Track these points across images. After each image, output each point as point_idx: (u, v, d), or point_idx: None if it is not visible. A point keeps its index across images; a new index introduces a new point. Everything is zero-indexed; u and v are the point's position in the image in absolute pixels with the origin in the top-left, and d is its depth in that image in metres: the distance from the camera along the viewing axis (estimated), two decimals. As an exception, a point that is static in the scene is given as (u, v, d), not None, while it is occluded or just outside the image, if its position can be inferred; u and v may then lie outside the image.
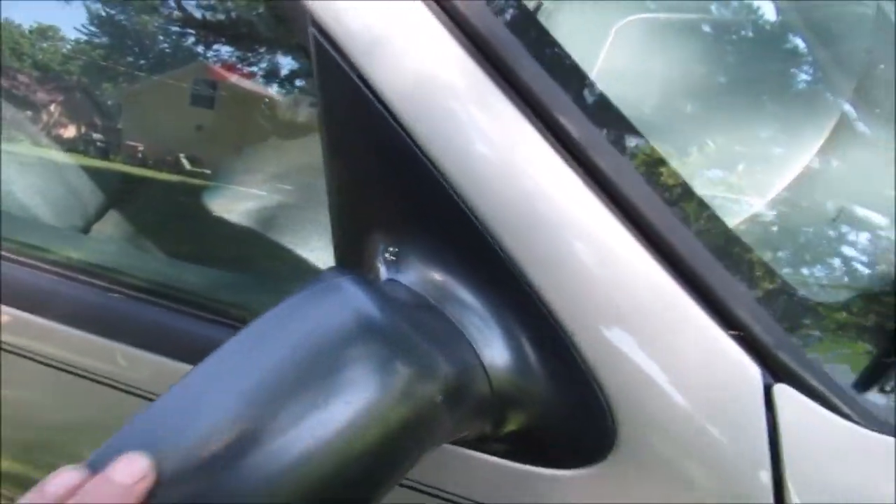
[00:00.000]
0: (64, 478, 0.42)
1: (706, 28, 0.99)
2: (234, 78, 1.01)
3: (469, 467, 0.66)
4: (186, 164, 1.07)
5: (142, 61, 1.13)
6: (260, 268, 0.98)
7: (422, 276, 0.59)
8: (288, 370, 0.47)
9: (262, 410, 0.46)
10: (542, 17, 0.82)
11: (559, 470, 0.63)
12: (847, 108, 0.78)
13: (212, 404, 0.46)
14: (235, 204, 1.01)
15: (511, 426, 0.62)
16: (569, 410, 0.61)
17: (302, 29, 0.57)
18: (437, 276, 0.59)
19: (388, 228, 0.60)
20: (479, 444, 0.64)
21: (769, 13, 1.04)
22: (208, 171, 1.08)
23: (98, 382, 0.84)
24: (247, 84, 1.00)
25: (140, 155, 1.12)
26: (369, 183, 0.60)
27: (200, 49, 1.05)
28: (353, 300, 0.51)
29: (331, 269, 0.56)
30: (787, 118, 0.79)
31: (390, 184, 0.59)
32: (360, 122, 0.58)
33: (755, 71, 0.87)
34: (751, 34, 1.00)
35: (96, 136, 1.18)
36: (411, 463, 0.54)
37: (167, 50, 1.10)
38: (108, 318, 0.84)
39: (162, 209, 1.12)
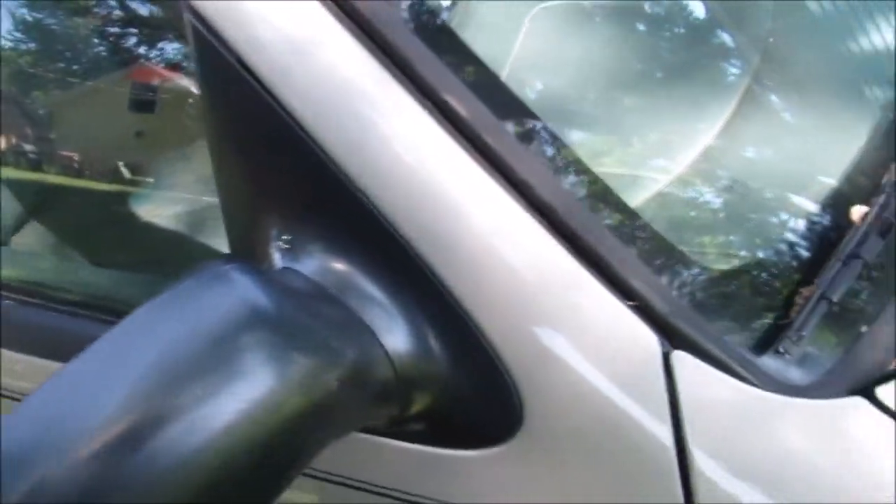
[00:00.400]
0: None
1: (615, 12, 1.00)
2: (160, 78, 0.98)
3: (381, 453, 0.65)
4: (125, 172, 1.03)
5: (74, 67, 1.08)
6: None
7: (320, 264, 0.58)
8: (169, 362, 0.46)
9: (142, 405, 0.44)
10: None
11: (470, 450, 0.63)
12: (745, 83, 0.80)
13: (84, 401, 0.44)
14: (169, 208, 0.99)
15: (419, 410, 0.61)
16: (475, 391, 0.61)
17: (178, 15, 0.55)
18: (337, 264, 0.58)
19: (282, 216, 0.59)
20: (390, 430, 0.64)
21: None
22: (146, 178, 1.04)
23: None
24: (171, 82, 0.97)
25: (75, 165, 1.08)
26: (258, 171, 0.59)
27: (129, 51, 1.01)
28: (239, 289, 0.50)
29: (216, 259, 0.54)
30: (688, 97, 0.80)
31: (280, 172, 0.58)
32: (244, 109, 0.57)
33: (658, 52, 0.88)
34: (659, 16, 1.01)
35: (27, 146, 1.13)
36: (312, 454, 0.54)
37: (99, 53, 1.06)
38: (34, 333, 0.81)
39: (89, 217, 1.08)
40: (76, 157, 1.08)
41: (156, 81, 0.97)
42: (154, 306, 0.48)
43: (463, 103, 0.58)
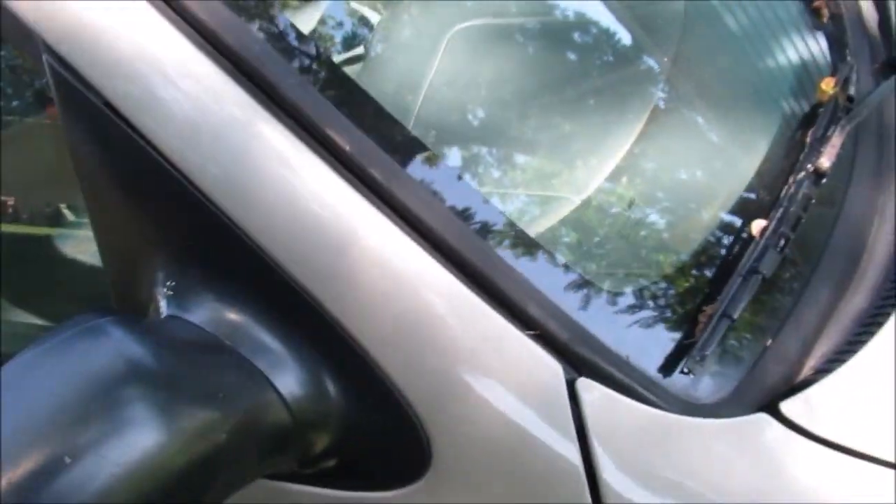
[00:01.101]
0: None
1: (531, 30, 1.01)
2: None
3: (292, 500, 0.63)
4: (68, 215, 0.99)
5: (13, 103, 1.03)
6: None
7: (208, 312, 0.56)
8: (29, 423, 0.43)
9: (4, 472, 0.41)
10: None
11: (381, 492, 0.61)
12: (659, 97, 0.81)
13: None
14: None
15: (323, 452, 0.59)
16: (380, 429, 0.59)
17: (37, 58, 0.52)
18: (224, 311, 0.56)
19: (164, 262, 0.56)
20: (299, 475, 0.62)
21: (591, 11, 1.07)
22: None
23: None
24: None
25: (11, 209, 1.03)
26: (135, 216, 0.56)
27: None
28: (112, 342, 0.47)
29: (88, 309, 0.52)
30: (592, 117, 0.81)
31: (158, 215, 0.56)
32: (113, 150, 0.54)
33: (564, 71, 0.89)
34: (574, 33, 1.03)
35: None
36: (214, 505, 0.51)
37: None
38: None
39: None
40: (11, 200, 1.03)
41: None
42: (21, 363, 0.45)
43: (343, 133, 0.56)
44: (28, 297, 0.98)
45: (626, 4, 1.02)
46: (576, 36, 1.02)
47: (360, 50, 0.94)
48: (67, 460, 0.42)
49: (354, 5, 0.99)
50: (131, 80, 0.52)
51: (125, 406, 0.46)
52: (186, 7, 0.53)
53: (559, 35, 1.01)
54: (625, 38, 0.99)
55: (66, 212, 0.99)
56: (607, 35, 1.00)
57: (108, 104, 0.52)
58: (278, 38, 0.58)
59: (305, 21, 0.85)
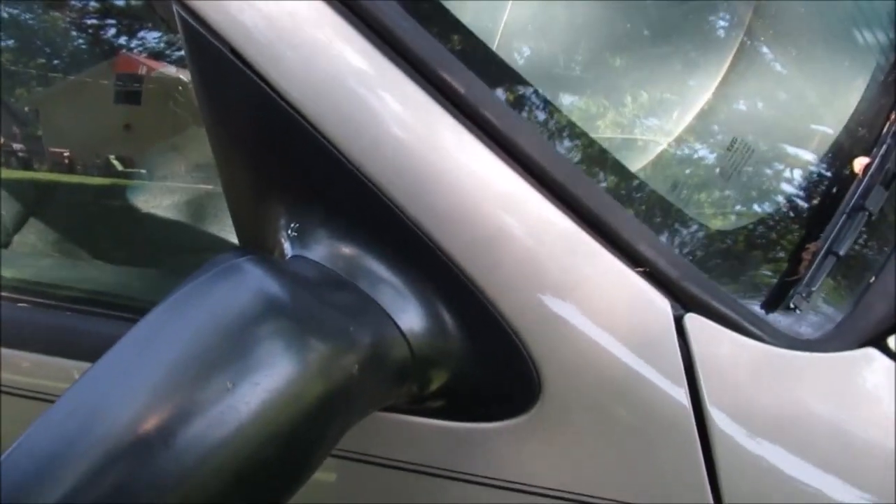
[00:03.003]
0: None
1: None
2: (145, 68, 0.97)
3: (403, 431, 0.66)
4: (117, 165, 1.03)
5: (55, 62, 1.07)
6: (193, 261, 0.96)
7: (330, 250, 0.58)
8: (189, 358, 0.46)
9: (167, 402, 0.45)
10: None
11: (491, 423, 0.63)
12: (738, 40, 0.79)
13: (114, 400, 0.45)
14: (165, 199, 0.99)
15: (438, 387, 0.62)
16: (492, 364, 0.61)
17: (168, 8, 0.54)
18: (346, 249, 0.58)
19: (289, 205, 0.59)
20: (411, 407, 0.65)
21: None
22: (139, 170, 1.03)
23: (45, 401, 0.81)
24: (159, 72, 0.96)
25: (66, 161, 1.07)
26: (260, 161, 0.58)
27: (112, 42, 1.00)
28: (252, 280, 0.50)
29: (227, 251, 0.54)
30: (682, 56, 0.80)
31: (281, 160, 0.58)
32: (240, 99, 0.56)
33: (649, 11, 0.87)
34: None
35: (15, 145, 1.12)
36: (336, 437, 0.54)
37: (79, 47, 1.04)
38: (46, 333, 0.81)
39: (87, 213, 1.08)
40: (67, 153, 1.07)
41: (140, 71, 0.96)
42: (171, 304, 0.48)
43: (459, 78, 0.57)
44: (88, 245, 1.03)
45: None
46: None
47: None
48: (230, 385, 0.45)
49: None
50: (256, 28, 0.53)
51: (270, 340, 0.49)
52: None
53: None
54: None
55: (115, 162, 1.02)
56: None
57: (234, 51, 0.54)
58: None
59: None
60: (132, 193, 1.01)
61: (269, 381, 0.47)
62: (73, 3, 1.00)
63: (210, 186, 0.96)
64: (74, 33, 1.02)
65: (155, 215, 0.98)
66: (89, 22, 1.00)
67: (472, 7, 0.91)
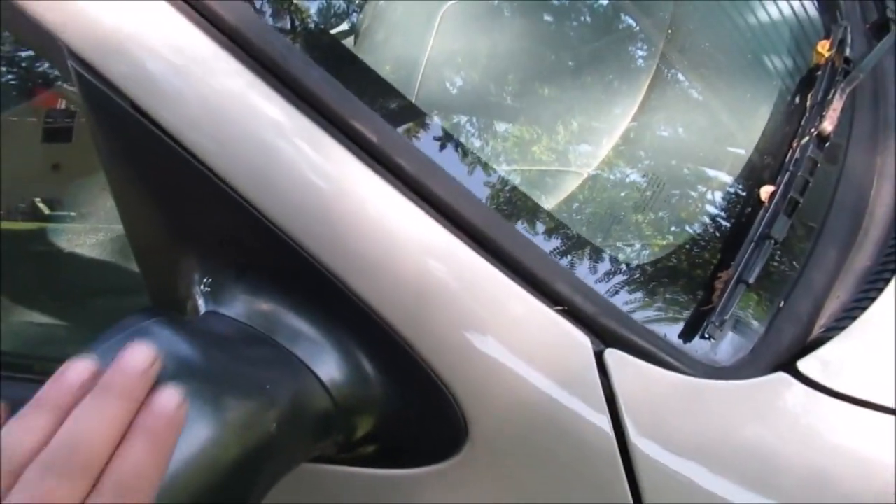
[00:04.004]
0: (79, 368, 0.41)
1: (526, 5, 1.01)
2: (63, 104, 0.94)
3: (333, 481, 0.65)
4: (44, 208, 0.98)
5: None
6: (115, 312, 0.93)
7: (245, 305, 0.57)
8: None
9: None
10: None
11: (421, 468, 0.63)
12: (653, 69, 0.82)
13: None
14: (91, 240, 0.95)
15: (364, 434, 0.61)
16: (417, 409, 0.61)
17: (62, 64, 0.52)
18: (261, 303, 0.57)
19: (200, 260, 0.58)
20: (339, 457, 0.64)
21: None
22: (68, 213, 0.99)
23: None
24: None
25: None
26: (166, 216, 0.57)
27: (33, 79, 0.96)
28: (161, 343, 0.48)
29: (134, 312, 0.53)
30: (599, 90, 0.82)
31: (191, 213, 0.57)
32: (141, 152, 0.55)
33: (565, 43, 0.90)
34: (568, 6, 1.03)
35: None
36: (262, 494, 0.53)
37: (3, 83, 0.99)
38: None
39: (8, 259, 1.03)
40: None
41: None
42: None
43: (365, 121, 0.57)
44: (18, 293, 0.99)
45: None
46: (566, 8, 1.02)
47: (344, 26, 0.94)
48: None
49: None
50: (156, 80, 0.52)
51: (181, 404, 0.47)
52: (204, 4, 0.53)
53: (550, 8, 1.01)
54: (619, 8, 1.00)
55: (40, 206, 0.99)
56: (600, 8, 1.01)
57: (134, 105, 0.52)
58: (301, 35, 0.58)
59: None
60: (56, 236, 0.97)
61: (183, 448, 0.45)
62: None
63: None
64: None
65: (76, 259, 0.95)
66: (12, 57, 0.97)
67: (393, 42, 0.92)
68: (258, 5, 0.56)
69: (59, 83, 0.93)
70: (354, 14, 0.96)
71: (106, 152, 0.56)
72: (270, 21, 0.57)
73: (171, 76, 0.53)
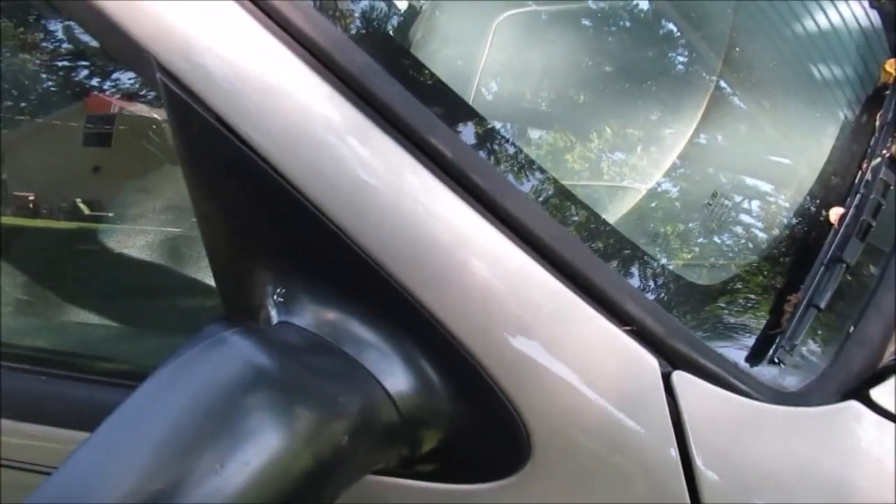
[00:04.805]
0: None
1: (580, 18, 1.01)
2: (118, 109, 0.96)
3: (394, 494, 0.65)
4: (85, 209, 1.01)
5: (22, 104, 1.05)
6: (169, 314, 0.94)
7: (315, 315, 0.58)
8: (178, 438, 0.45)
9: (153, 486, 0.44)
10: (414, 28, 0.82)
11: (483, 484, 0.63)
12: (715, 94, 0.81)
13: (100, 484, 0.44)
14: (137, 242, 0.97)
15: (428, 448, 0.61)
16: (481, 424, 0.61)
17: (150, 76, 0.54)
18: (330, 313, 0.58)
19: (274, 270, 0.58)
20: (403, 469, 0.64)
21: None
22: (108, 214, 1.02)
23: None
24: (131, 113, 0.95)
25: (31, 205, 1.05)
26: (244, 226, 0.58)
27: (81, 83, 0.98)
28: (240, 353, 0.49)
29: (215, 322, 0.54)
30: (657, 109, 0.81)
31: (266, 226, 0.57)
32: (223, 165, 0.56)
33: (626, 59, 0.89)
34: (624, 21, 1.02)
35: None
36: (327, 506, 0.53)
37: (48, 89, 1.02)
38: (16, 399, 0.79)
39: (58, 260, 1.06)
40: (32, 197, 1.05)
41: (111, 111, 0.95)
42: (159, 380, 0.48)
43: (444, 142, 0.57)
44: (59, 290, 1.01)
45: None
46: (624, 22, 1.01)
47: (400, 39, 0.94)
48: (217, 468, 0.44)
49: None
50: (240, 94, 0.53)
51: (258, 413, 0.48)
52: (290, 22, 0.54)
53: (606, 21, 1.00)
54: (676, 24, 0.99)
55: (81, 206, 1.01)
56: (656, 23, 1.00)
57: (218, 118, 0.53)
58: (382, 51, 0.59)
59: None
60: (104, 238, 0.99)
61: (257, 458, 0.46)
62: (43, 45, 0.98)
63: (179, 230, 0.95)
64: (43, 75, 1.01)
65: (127, 260, 0.96)
66: (60, 63, 0.99)
67: (448, 51, 0.92)
68: (342, 24, 0.57)
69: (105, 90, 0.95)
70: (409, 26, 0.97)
71: (188, 163, 0.57)
72: (353, 40, 0.57)
73: (256, 92, 0.54)
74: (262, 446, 0.47)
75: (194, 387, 0.47)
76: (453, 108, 0.64)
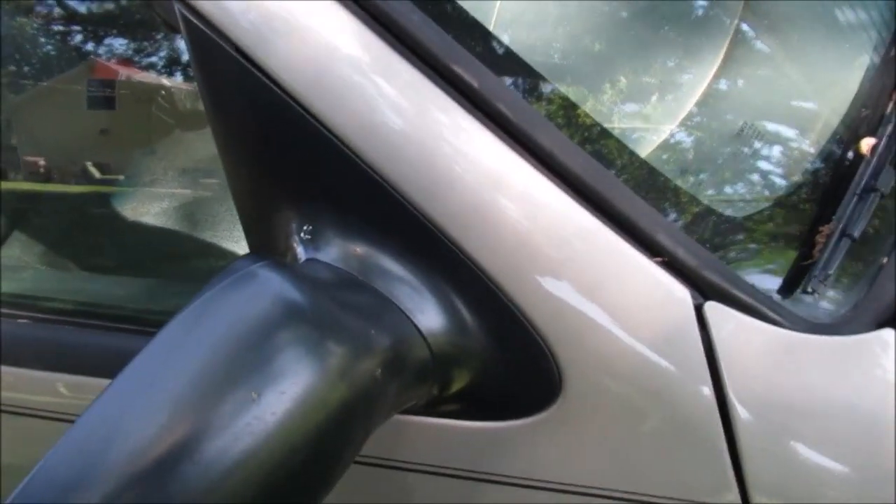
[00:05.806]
0: None
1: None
2: (125, 72, 0.95)
3: (423, 433, 0.65)
4: (95, 172, 1.00)
5: (26, 69, 1.04)
6: (186, 267, 0.94)
7: (343, 251, 0.57)
8: (212, 369, 0.45)
9: (192, 415, 0.43)
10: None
11: (512, 421, 0.63)
12: (739, 25, 0.79)
13: (136, 416, 0.43)
14: (151, 205, 0.97)
15: (458, 386, 0.61)
16: (513, 361, 0.60)
17: (168, 7, 0.52)
18: (360, 249, 0.57)
19: (300, 207, 0.57)
20: (431, 408, 0.64)
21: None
22: (118, 177, 1.01)
23: (31, 416, 0.79)
24: (140, 76, 0.94)
25: (42, 170, 1.05)
26: (268, 163, 0.57)
27: (86, 47, 0.97)
28: (269, 286, 0.48)
29: (242, 257, 0.53)
30: (684, 44, 0.79)
31: (292, 161, 0.56)
32: (246, 100, 0.55)
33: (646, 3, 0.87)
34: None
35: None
36: (360, 442, 0.53)
37: (52, 53, 1.01)
38: (31, 347, 0.79)
39: (71, 222, 1.05)
40: (43, 161, 1.05)
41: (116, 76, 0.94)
42: (188, 315, 0.47)
43: (476, 78, 0.56)
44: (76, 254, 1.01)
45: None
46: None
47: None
48: (254, 396, 0.44)
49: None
50: (260, 25, 0.52)
51: (292, 347, 0.48)
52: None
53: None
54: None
55: (92, 169, 1.00)
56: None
57: (238, 50, 0.52)
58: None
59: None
60: (117, 200, 0.99)
61: (293, 388, 0.46)
62: (43, 9, 0.97)
63: (190, 191, 0.95)
64: (44, 39, 1.00)
65: (141, 221, 0.96)
66: (62, 28, 0.98)
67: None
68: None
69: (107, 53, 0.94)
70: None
71: (208, 97, 0.56)
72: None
73: (274, 21, 0.52)
74: (298, 377, 0.47)
75: (224, 322, 0.47)
76: (486, 47, 0.62)
